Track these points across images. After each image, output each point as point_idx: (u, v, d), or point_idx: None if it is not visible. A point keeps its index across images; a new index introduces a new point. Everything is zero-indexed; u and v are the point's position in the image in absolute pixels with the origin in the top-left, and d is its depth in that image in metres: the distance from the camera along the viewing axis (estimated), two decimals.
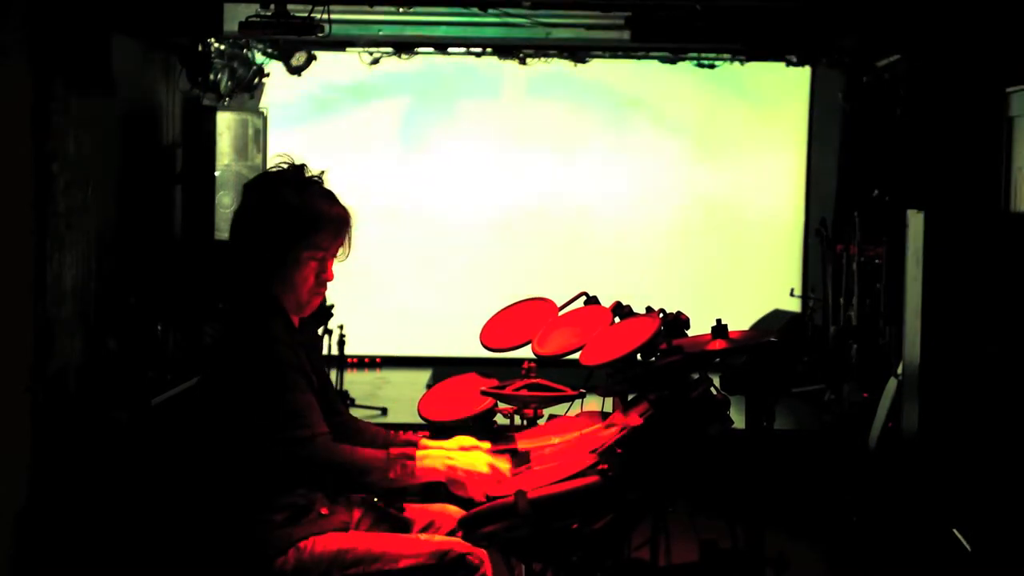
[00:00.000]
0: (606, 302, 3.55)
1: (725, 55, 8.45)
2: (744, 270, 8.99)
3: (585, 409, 3.32)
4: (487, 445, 2.96)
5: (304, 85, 8.84)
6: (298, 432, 2.69)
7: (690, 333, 3.31)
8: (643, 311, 3.39)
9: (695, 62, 8.58)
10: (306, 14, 6.45)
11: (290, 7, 6.46)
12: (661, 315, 3.29)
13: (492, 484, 2.80)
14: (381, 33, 8.04)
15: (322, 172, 2.95)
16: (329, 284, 2.96)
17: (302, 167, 2.93)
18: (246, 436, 2.75)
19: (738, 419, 3.12)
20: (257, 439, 2.72)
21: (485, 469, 2.82)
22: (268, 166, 2.98)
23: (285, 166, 2.93)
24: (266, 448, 2.70)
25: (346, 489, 2.94)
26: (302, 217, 2.83)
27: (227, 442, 2.80)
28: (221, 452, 2.82)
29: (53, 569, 4.86)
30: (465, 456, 2.85)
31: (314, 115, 9.03)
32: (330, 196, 2.92)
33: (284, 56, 8.05)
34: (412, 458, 2.77)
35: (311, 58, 8.13)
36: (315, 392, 2.86)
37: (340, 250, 2.94)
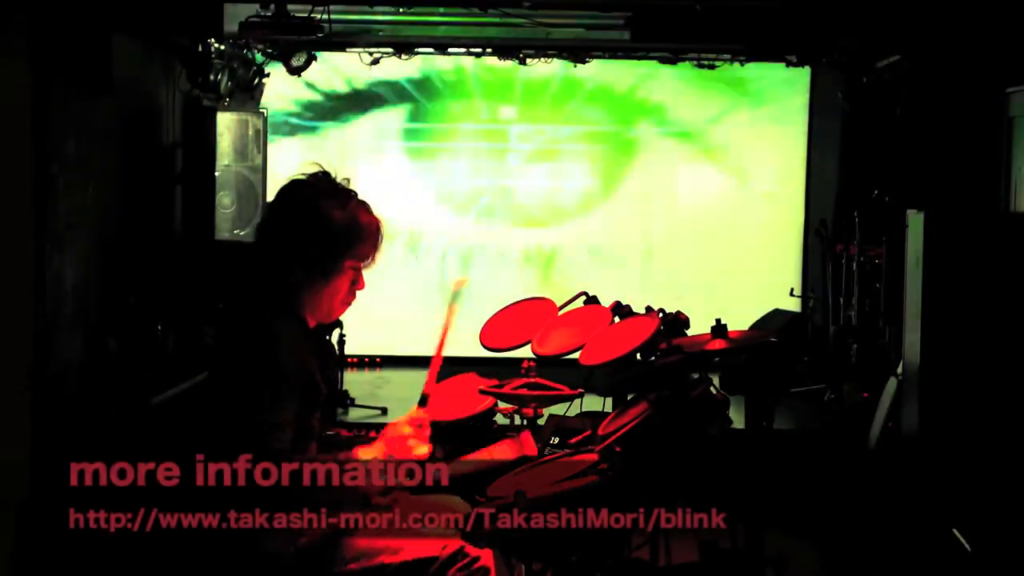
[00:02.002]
0: (606, 302, 3.56)
1: (725, 55, 8.44)
2: (744, 270, 8.98)
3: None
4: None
5: (304, 85, 8.85)
6: (272, 444, 2.66)
7: (690, 333, 3.31)
8: (643, 311, 3.39)
9: (695, 62, 8.58)
10: (306, 14, 6.45)
11: (290, 7, 6.47)
12: (660, 315, 3.29)
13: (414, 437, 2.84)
14: (381, 33, 8.04)
15: (347, 180, 2.95)
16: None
17: (328, 174, 2.93)
18: (239, 434, 2.73)
19: (738, 419, 3.12)
20: (233, 438, 2.70)
21: (407, 430, 2.85)
22: (298, 172, 2.93)
23: (314, 173, 2.91)
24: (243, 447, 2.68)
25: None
26: (346, 231, 2.85)
27: (228, 440, 2.78)
28: (223, 450, 2.80)
29: (53, 568, 4.86)
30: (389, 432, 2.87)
31: (314, 115, 9.03)
32: (367, 207, 2.93)
33: (284, 56, 8.04)
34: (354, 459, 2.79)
35: (311, 58, 8.13)
36: (319, 402, 2.85)
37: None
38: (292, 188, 2.92)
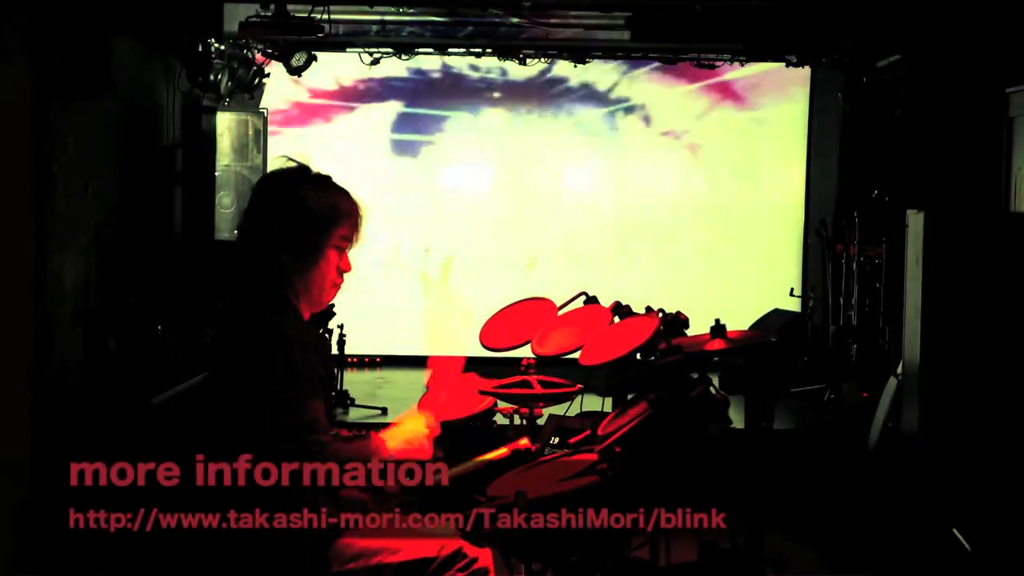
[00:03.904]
0: (606, 302, 3.56)
1: (725, 55, 8.45)
2: (744, 270, 8.99)
3: None
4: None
5: (304, 85, 8.85)
6: (313, 437, 2.69)
7: (690, 333, 3.31)
8: (642, 311, 3.39)
9: (695, 62, 8.58)
10: (306, 14, 6.46)
11: (290, 7, 6.47)
12: (660, 315, 3.29)
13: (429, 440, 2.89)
14: (380, 33, 8.05)
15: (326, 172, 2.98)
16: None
17: (303, 164, 2.96)
18: (258, 440, 2.73)
19: (738, 419, 3.12)
20: (269, 442, 2.70)
21: (423, 430, 2.89)
22: (272, 167, 2.99)
23: (293, 164, 2.95)
24: (277, 451, 2.69)
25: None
26: (327, 213, 2.87)
27: (237, 446, 2.77)
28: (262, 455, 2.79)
29: (53, 568, 4.86)
30: (408, 426, 2.91)
31: (314, 115, 9.03)
32: (344, 190, 2.96)
33: (284, 56, 8.05)
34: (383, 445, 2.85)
35: (311, 58, 8.14)
36: (326, 392, 2.86)
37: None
38: (269, 179, 2.99)
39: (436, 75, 9.00)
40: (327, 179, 2.95)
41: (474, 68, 8.96)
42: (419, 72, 8.96)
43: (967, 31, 6.55)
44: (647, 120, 9.07)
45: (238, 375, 2.82)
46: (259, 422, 2.73)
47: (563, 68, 8.76)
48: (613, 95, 9.07)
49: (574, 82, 8.95)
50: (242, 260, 2.92)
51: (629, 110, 9.07)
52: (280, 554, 2.78)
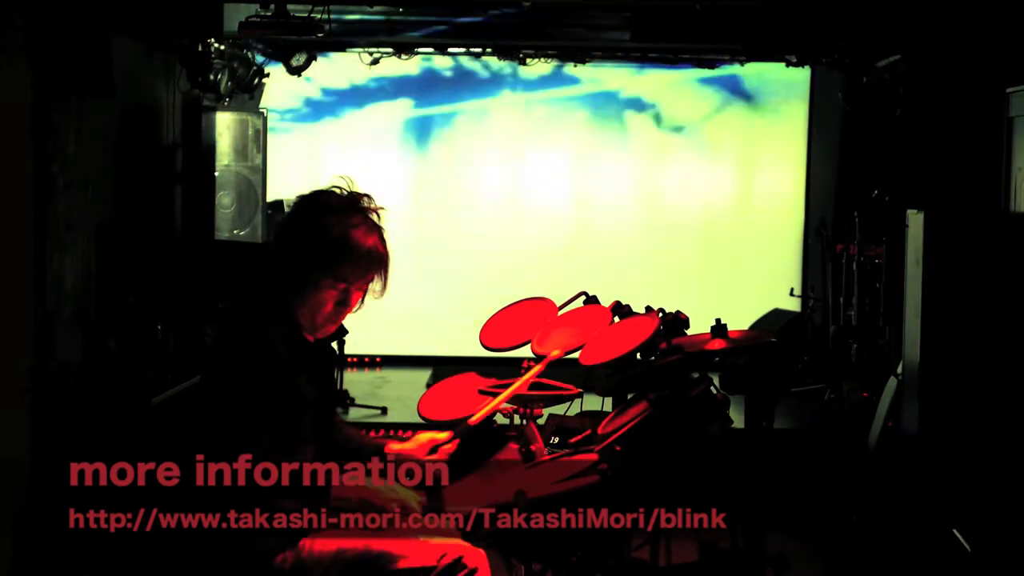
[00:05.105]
0: (606, 302, 3.56)
1: (725, 55, 8.45)
2: (744, 270, 8.98)
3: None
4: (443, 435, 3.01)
5: (304, 85, 8.85)
6: (245, 447, 2.69)
7: (690, 332, 3.32)
8: (642, 310, 3.39)
9: (695, 62, 8.58)
10: (306, 14, 6.46)
11: (290, 7, 6.47)
12: (660, 314, 3.30)
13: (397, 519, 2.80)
14: (381, 33, 8.05)
15: (380, 208, 2.91)
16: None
17: (357, 196, 2.90)
18: (247, 442, 2.74)
19: (738, 419, 3.12)
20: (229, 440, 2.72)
21: (395, 504, 2.81)
22: (325, 185, 2.92)
23: (339, 190, 2.90)
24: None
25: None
26: (331, 245, 2.82)
27: (225, 442, 2.78)
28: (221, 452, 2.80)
29: (53, 569, 4.86)
30: (392, 489, 2.83)
31: (314, 115, 9.03)
32: (373, 230, 2.88)
33: (284, 56, 8.05)
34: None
35: (311, 58, 8.14)
36: (305, 408, 2.84)
37: (371, 286, 2.91)
38: (309, 195, 2.93)
39: (444, 73, 9.00)
40: (359, 212, 2.87)
41: (485, 65, 8.95)
42: (428, 69, 8.96)
43: (966, 31, 6.55)
44: (647, 120, 9.07)
45: (218, 377, 2.84)
46: (221, 421, 2.76)
47: (566, 65, 8.77)
48: (615, 94, 9.06)
49: (577, 80, 8.95)
50: (258, 262, 2.95)
51: (631, 110, 9.07)
52: (279, 551, 2.78)
